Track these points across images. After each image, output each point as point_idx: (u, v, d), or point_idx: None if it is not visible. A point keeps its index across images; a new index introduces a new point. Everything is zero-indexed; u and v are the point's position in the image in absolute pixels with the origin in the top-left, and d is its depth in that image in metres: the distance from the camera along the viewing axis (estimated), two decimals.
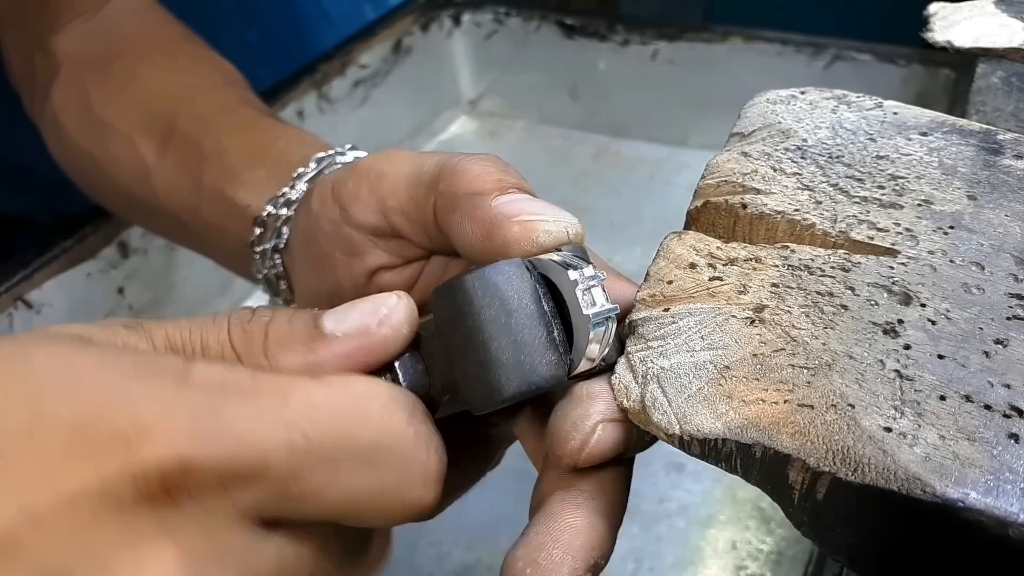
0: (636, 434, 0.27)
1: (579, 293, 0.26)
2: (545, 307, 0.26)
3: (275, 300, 0.42)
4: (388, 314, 0.26)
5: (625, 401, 0.25)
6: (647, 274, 0.28)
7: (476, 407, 0.26)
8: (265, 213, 0.40)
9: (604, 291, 0.27)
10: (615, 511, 0.27)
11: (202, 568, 0.21)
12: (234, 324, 0.26)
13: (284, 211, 0.40)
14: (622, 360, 0.26)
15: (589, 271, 0.27)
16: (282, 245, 0.40)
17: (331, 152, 0.41)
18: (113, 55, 0.50)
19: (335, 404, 0.23)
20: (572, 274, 0.26)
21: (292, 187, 0.40)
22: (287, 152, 0.42)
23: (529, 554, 0.26)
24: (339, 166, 0.40)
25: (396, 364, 0.26)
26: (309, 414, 0.23)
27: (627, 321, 0.27)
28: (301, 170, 0.40)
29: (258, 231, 0.40)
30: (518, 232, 0.28)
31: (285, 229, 0.40)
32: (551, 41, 0.86)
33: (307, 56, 0.79)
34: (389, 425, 0.24)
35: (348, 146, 0.42)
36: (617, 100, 0.86)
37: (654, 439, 0.28)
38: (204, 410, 0.22)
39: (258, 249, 0.41)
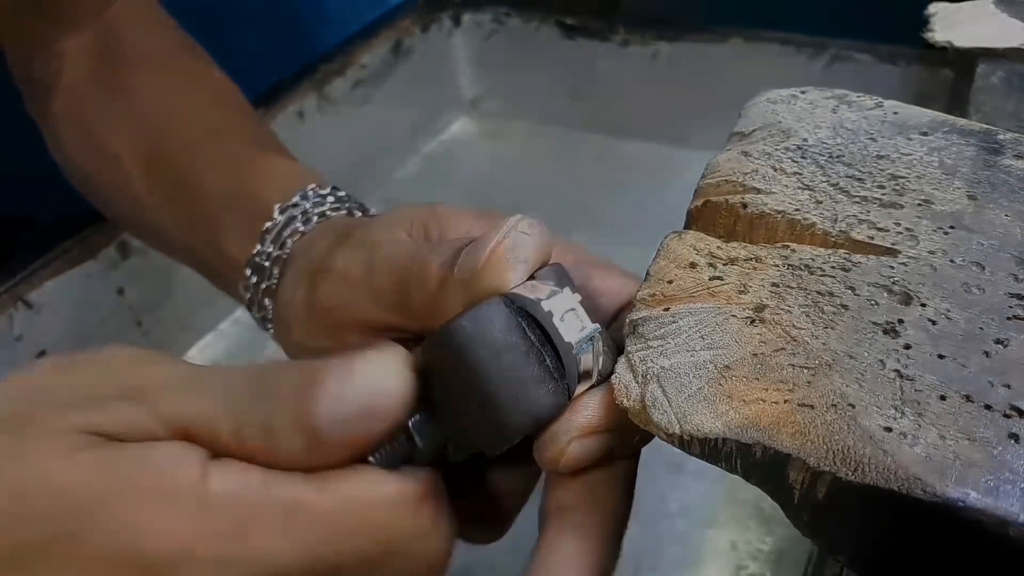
0: (619, 440, 0.27)
1: (557, 323, 0.26)
2: (532, 338, 0.26)
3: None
4: (386, 388, 0.25)
5: (625, 400, 0.25)
6: (647, 273, 0.28)
7: (488, 450, 0.26)
8: (248, 272, 0.40)
9: (581, 314, 0.27)
10: (614, 523, 0.28)
11: None
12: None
13: (267, 263, 0.39)
14: (622, 360, 0.26)
15: (561, 298, 0.27)
16: (274, 287, 0.39)
17: (292, 202, 0.40)
18: (110, 66, 0.50)
19: (338, 515, 0.23)
20: (546, 305, 0.26)
21: (263, 244, 0.39)
22: (260, 194, 0.41)
23: None
24: (301, 231, 0.39)
25: (410, 424, 0.26)
26: (313, 531, 0.23)
27: (627, 320, 0.27)
28: (268, 225, 0.39)
29: (247, 295, 0.40)
30: (491, 277, 0.28)
31: (276, 270, 0.39)
32: (551, 41, 0.86)
33: (307, 56, 0.79)
34: (395, 530, 0.24)
35: (311, 187, 0.40)
36: (617, 100, 0.86)
37: (646, 439, 0.28)
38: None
39: (247, 297, 0.40)
